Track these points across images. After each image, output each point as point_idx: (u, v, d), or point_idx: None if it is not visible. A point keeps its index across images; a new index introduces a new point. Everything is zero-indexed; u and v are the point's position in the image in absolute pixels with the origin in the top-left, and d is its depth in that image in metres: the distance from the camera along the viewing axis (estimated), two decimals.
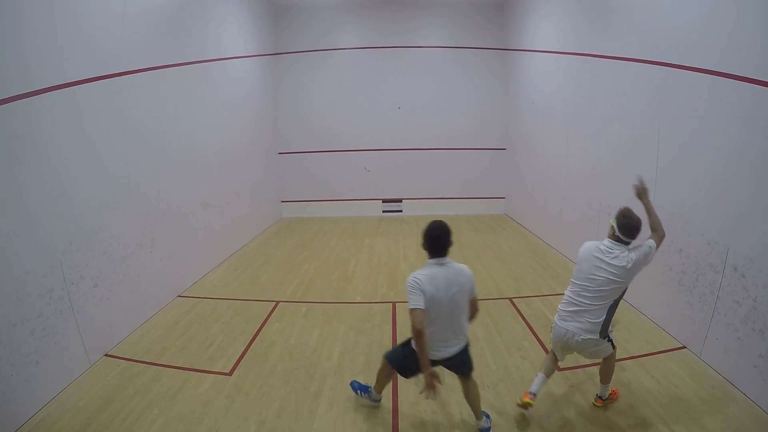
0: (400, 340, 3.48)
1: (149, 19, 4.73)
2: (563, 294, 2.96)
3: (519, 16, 8.45)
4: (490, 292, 5.18)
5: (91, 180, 3.81)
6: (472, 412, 2.88)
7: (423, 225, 2.69)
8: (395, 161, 9.78)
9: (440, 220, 2.68)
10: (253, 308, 4.90)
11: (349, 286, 5.56)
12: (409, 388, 3.26)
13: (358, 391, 3.16)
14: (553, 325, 2.96)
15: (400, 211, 9.96)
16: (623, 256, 2.74)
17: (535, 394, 2.85)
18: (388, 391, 3.22)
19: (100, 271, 3.88)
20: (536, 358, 3.69)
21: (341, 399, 3.23)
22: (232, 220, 7.00)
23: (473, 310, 2.73)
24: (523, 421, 2.93)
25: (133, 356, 3.85)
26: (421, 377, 2.57)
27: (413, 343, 2.63)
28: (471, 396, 2.83)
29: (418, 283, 2.54)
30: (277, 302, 5.04)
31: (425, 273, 2.58)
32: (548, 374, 2.96)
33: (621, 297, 2.83)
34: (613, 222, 2.84)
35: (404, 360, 2.78)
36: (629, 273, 2.73)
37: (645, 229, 2.81)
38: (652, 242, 2.79)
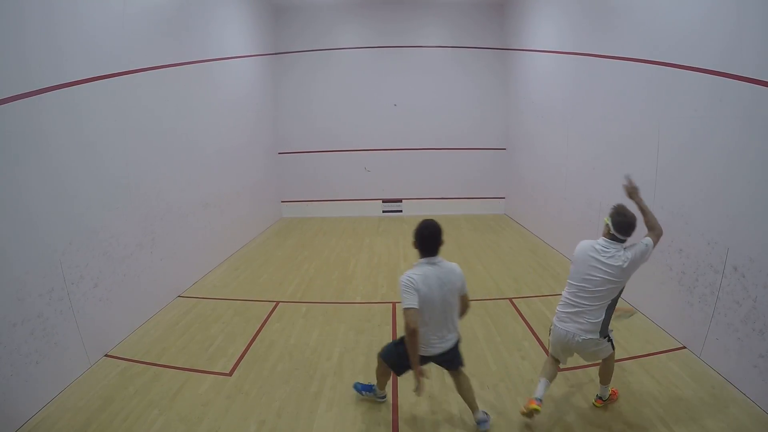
0: None
1: (149, 19, 4.73)
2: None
3: (519, 16, 8.45)
4: (490, 292, 5.16)
5: (91, 180, 3.81)
6: (468, 407, 2.89)
7: None
8: (395, 161, 9.78)
9: (431, 219, 2.67)
10: (253, 308, 4.90)
11: (349, 286, 5.56)
12: (409, 387, 3.25)
13: (363, 392, 3.17)
14: (552, 327, 2.93)
15: (400, 211, 9.95)
16: (619, 255, 2.70)
17: (541, 400, 2.81)
18: (387, 391, 3.22)
19: (100, 271, 3.88)
20: (536, 358, 3.69)
21: (341, 399, 3.23)
22: (232, 220, 7.00)
23: (464, 306, 2.75)
24: (522, 422, 2.92)
25: (133, 356, 3.85)
26: (410, 374, 2.59)
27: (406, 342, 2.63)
28: (464, 389, 2.85)
29: (412, 283, 2.54)
30: (277, 302, 5.04)
31: (418, 272, 2.58)
32: (551, 378, 2.93)
33: (619, 296, 2.81)
34: (607, 220, 2.79)
35: (398, 357, 2.80)
36: (626, 272, 2.71)
37: (640, 227, 2.79)
38: (649, 240, 2.76)
